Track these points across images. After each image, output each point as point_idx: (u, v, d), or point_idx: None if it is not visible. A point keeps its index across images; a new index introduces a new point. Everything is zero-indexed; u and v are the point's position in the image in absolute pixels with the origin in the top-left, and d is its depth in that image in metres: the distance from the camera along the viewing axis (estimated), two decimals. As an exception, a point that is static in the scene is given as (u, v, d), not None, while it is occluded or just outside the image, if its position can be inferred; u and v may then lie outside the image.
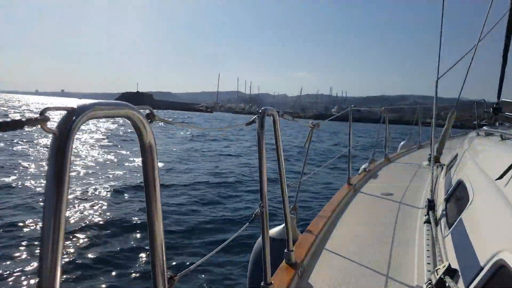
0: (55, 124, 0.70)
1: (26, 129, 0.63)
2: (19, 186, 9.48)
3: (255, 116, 2.01)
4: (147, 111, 0.98)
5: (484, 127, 4.78)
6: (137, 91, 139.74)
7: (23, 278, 4.99)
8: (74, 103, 0.77)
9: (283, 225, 2.92)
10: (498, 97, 5.30)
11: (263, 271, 2.04)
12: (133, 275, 5.21)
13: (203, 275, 5.17)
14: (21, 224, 6.76)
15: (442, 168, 4.67)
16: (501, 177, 1.81)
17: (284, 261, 2.47)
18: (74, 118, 0.72)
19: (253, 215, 1.98)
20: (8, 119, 0.59)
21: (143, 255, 5.77)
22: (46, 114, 0.66)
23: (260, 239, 3.15)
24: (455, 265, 1.75)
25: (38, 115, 0.64)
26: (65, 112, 0.72)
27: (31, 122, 0.63)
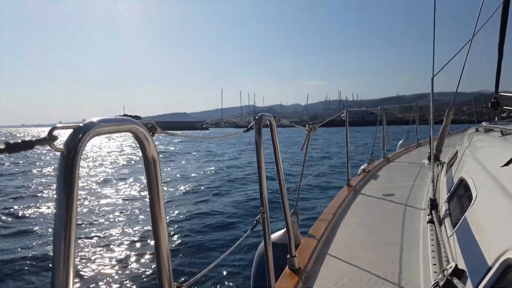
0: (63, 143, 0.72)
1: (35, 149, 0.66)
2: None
3: (252, 123, 2.02)
4: (150, 125, 1.00)
5: (483, 122, 4.77)
6: (124, 114, 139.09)
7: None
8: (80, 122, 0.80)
9: (285, 229, 2.91)
10: (496, 91, 5.28)
11: (267, 278, 2.02)
12: (140, 286, 5.24)
13: (208, 283, 5.18)
14: (34, 238, 6.83)
15: (443, 166, 4.64)
16: (507, 163, 1.78)
17: (287, 267, 2.44)
18: (80, 136, 0.73)
19: (255, 222, 1.98)
20: (19, 140, 0.61)
21: (149, 266, 5.79)
22: (54, 134, 0.68)
23: (262, 244, 3.15)
24: (461, 265, 1.73)
25: (47, 135, 0.67)
26: (72, 130, 0.74)
27: (40, 142, 0.64)
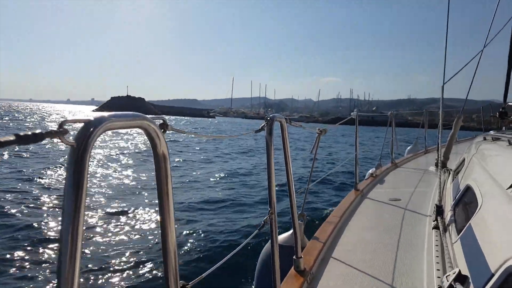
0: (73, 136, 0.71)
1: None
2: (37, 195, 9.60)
3: (263, 123, 2.01)
4: (161, 121, 0.99)
5: (491, 131, 4.76)
6: (128, 95, 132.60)
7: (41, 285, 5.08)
8: (90, 114, 0.78)
9: (291, 231, 2.91)
10: (504, 101, 5.29)
11: (272, 278, 2.03)
12: (146, 284, 5.25)
13: (214, 282, 5.18)
14: (40, 234, 6.87)
15: (450, 173, 4.65)
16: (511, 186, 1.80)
17: (292, 268, 2.46)
18: (91, 130, 0.73)
19: (263, 222, 1.97)
20: (29, 133, 0.60)
21: (156, 263, 5.80)
22: (64, 127, 0.67)
23: (267, 245, 3.15)
24: (465, 271, 1.74)
25: (57, 128, 0.66)
26: (82, 124, 0.73)
27: (50, 135, 0.64)
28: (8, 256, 5.89)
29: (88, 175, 0.72)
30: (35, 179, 11.43)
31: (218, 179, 13.35)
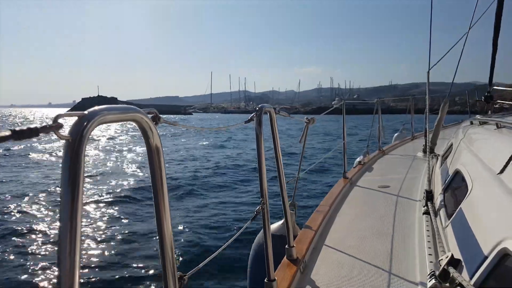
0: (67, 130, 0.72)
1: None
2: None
3: (252, 114, 2.02)
4: (153, 114, 1.00)
5: (477, 115, 4.80)
6: (99, 95, 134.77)
7: (41, 281, 5.11)
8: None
9: (282, 220, 2.93)
10: (490, 84, 5.32)
11: (266, 268, 2.04)
12: (144, 276, 5.30)
13: (208, 273, 5.23)
14: (38, 229, 6.82)
15: (438, 158, 4.69)
16: (502, 170, 1.82)
17: (285, 257, 2.48)
18: (85, 123, 0.73)
19: (255, 212, 1.99)
20: (24, 127, 0.60)
21: (153, 256, 5.83)
22: (59, 121, 0.67)
23: (259, 235, 3.16)
24: (457, 255, 1.75)
25: (51, 123, 0.66)
26: (76, 118, 0.73)
27: (45, 129, 0.64)
28: (7, 252, 5.89)
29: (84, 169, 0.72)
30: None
31: (208, 167, 13.35)
